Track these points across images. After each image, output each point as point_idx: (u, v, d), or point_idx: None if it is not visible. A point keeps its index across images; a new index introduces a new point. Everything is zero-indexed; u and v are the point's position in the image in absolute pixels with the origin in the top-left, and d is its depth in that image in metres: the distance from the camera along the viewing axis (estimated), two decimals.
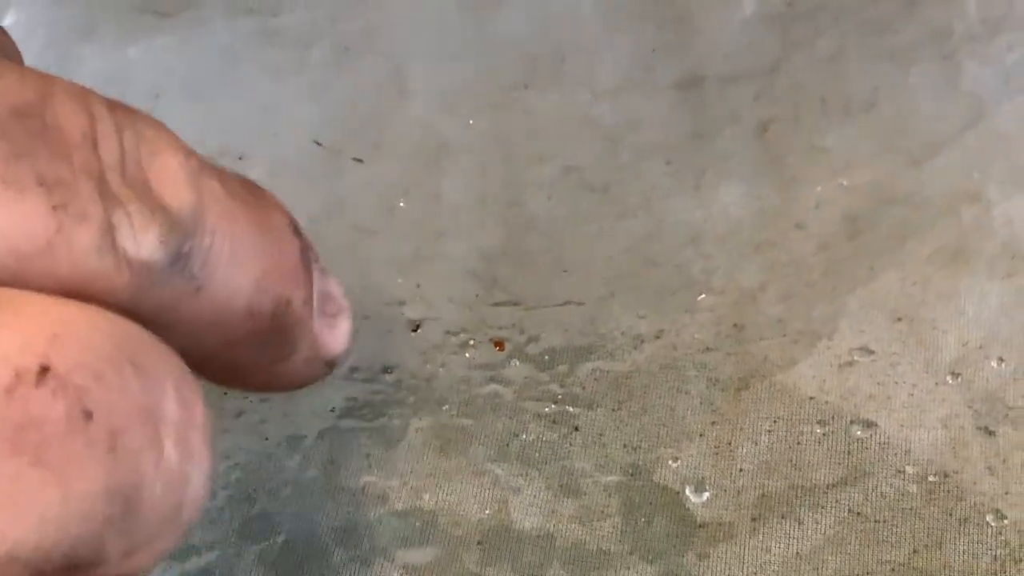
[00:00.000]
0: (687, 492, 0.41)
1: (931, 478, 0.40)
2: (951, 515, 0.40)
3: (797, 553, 0.40)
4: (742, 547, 0.40)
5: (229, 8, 0.51)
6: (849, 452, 0.41)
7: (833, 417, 0.42)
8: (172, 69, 0.52)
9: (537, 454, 0.43)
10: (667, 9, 0.43)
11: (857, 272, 0.42)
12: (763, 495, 0.41)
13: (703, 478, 0.42)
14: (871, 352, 0.42)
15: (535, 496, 0.42)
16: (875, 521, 0.40)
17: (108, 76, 0.50)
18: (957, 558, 0.40)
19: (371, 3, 0.50)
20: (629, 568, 0.41)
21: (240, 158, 0.45)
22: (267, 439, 0.44)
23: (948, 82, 0.42)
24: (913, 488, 0.40)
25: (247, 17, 0.49)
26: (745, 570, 0.40)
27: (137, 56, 0.50)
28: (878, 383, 0.42)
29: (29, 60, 0.42)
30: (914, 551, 0.39)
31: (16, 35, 0.45)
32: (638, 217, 0.44)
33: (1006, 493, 0.38)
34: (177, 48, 0.50)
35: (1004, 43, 0.41)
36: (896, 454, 0.41)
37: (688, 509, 0.41)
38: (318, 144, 0.45)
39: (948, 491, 0.40)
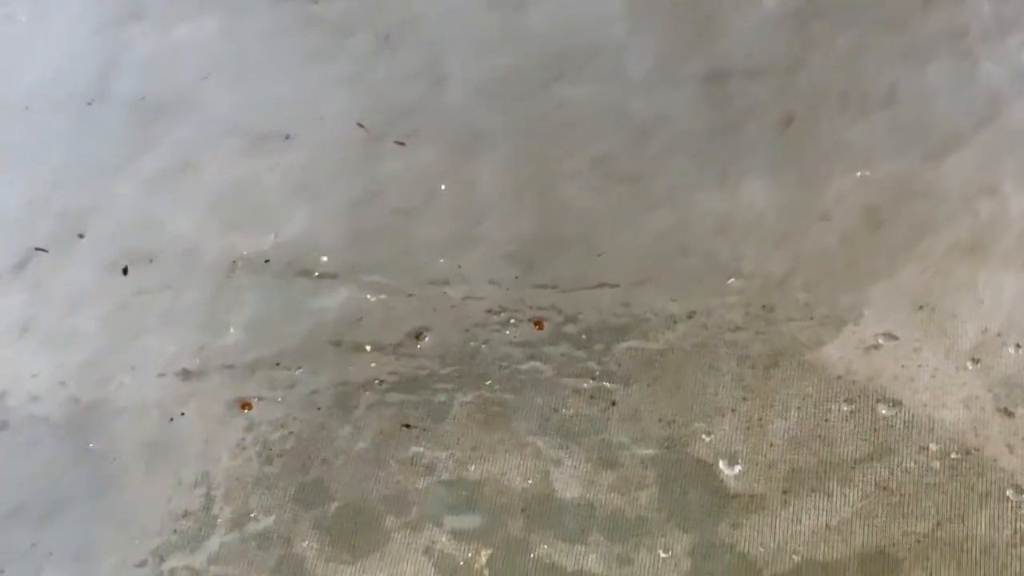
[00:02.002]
0: (720, 465, 0.42)
1: (953, 455, 0.38)
2: (973, 490, 0.40)
3: (826, 524, 0.40)
4: (774, 518, 0.40)
5: None
6: (875, 429, 0.40)
7: (860, 396, 0.41)
8: (219, 52, 0.52)
9: (576, 428, 0.43)
10: (692, 7, 0.44)
11: (879, 262, 0.42)
12: (793, 469, 0.41)
13: (735, 452, 0.42)
14: (895, 337, 0.42)
15: (575, 467, 0.41)
16: (900, 495, 0.40)
17: (157, 58, 0.50)
18: (979, 530, 0.40)
19: None
20: (666, 535, 0.41)
21: (286, 138, 0.45)
22: (319, 409, 0.45)
23: (964, 79, 0.42)
24: (936, 464, 0.38)
25: (289, 2, 0.49)
26: (776, 540, 0.40)
27: (185, 38, 0.50)
28: (902, 366, 0.42)
29: (79, 45, 0.42)
30: (938, 524, 0.37)
31: (67, 19, 0.45)
32: (667, 207, 0.45)
33: None
34: (223, 31, 0.49)
35: (1018, 41, 0.41)
36: (920, 432, 0.40)
37: (721, 481, 0.41)
38: (361, 127, 0.45)
39: (970, 467, 0.40)
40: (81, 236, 0.42)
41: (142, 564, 0.41)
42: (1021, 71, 0.47)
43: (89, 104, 0.43)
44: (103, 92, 0.43)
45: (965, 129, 0.46)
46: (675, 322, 0.43)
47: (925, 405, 0.43)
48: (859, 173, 0.45)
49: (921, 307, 0.43)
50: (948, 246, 0.45)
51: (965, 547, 0.41)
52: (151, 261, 0.43)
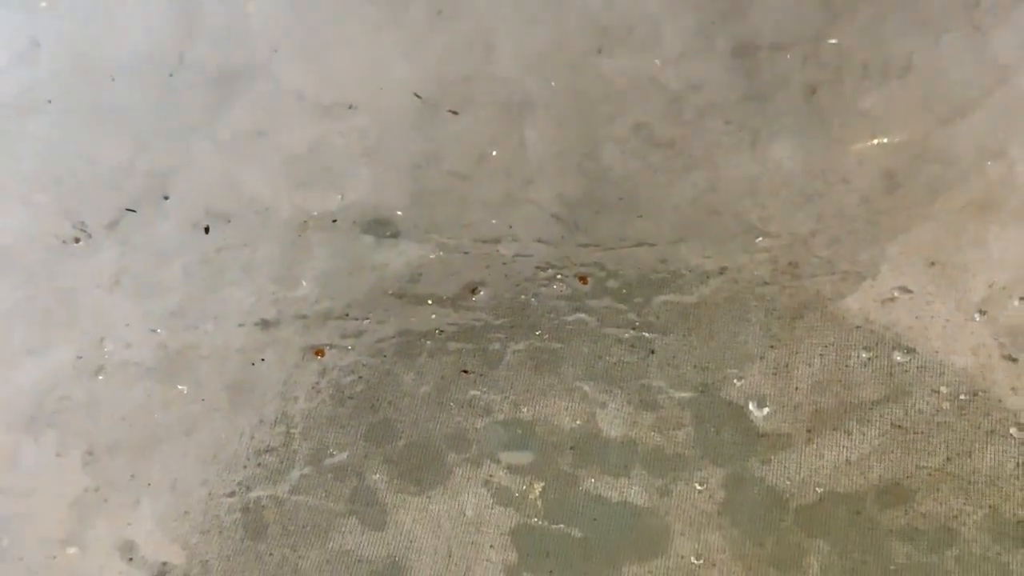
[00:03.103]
0: (750, 407, 0.43)
1: (962, 396, 0.40)
2: (979, 428, 0.41)
3: (847, 460, 0.41)
4: (799, 454, 0.41)
5: None
6: (891, 374, 0.42)
7: (877, 344, 0.43)
8: (287, 26, 0.52)
9: (619, 373, 0.44)
10: None
11: (896, 222, 0.43)
12: (816, 410, 0.42)
13: (764, 395, 0.43)
14: (909, 291, 0.43)
15: (618, 409, 0.43)
16: (914, 433, 0.41)
17: (231, 32, 0.50)
18: (985, 464, 0.40)
19: None
20: (701, 470, 0.42)
21: (350, 107, 0.46)
22: (385, 356, 0.46)
23: (976, 49, 0.43)
24: (946, 405, 0.40)
25: None
26: (801, 474, 0.41)
27: (256, 12, 0.50)
28: (916, 317, 0.43)
29: (159, 20, 0.42)
30: (947, 459, 0.39)
31: None
32: (701, 170, 0.45)
33: None
34: (290, 7, 0.50)
35: None
36: (932, 376, 0.42)
37: (751, 421, 0.42)
38: (418, 97, 0.45)
39: (977, 408, 0.41)
40: (166, 198, 0.42)
41: (230, 494, 0.45)
42: None
43: (170, 76, 0.43)
44: (182, 63, 0.44)
45: (975, 97, 0.46)
46: (708, 277, 0.46)
47: (936, 352, 0.45)
48: (876, 140, 0.46)
49: (933, 263, 0.46)
50: (959, 206, 0.46)
51: (972, 479, 0.42)
52: (229, 221, 0.44)
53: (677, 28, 0.43)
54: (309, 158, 0.41)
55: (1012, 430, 0.39)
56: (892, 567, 0.38)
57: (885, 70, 0.42)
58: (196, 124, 0.39)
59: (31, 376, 0.36)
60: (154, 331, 0.38)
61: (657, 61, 0.43)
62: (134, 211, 0.37)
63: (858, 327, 0.42)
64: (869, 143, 0.41)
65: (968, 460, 0.38)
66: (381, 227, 0.41)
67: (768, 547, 0.37)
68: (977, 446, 0.39)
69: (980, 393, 0.40)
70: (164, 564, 0.38)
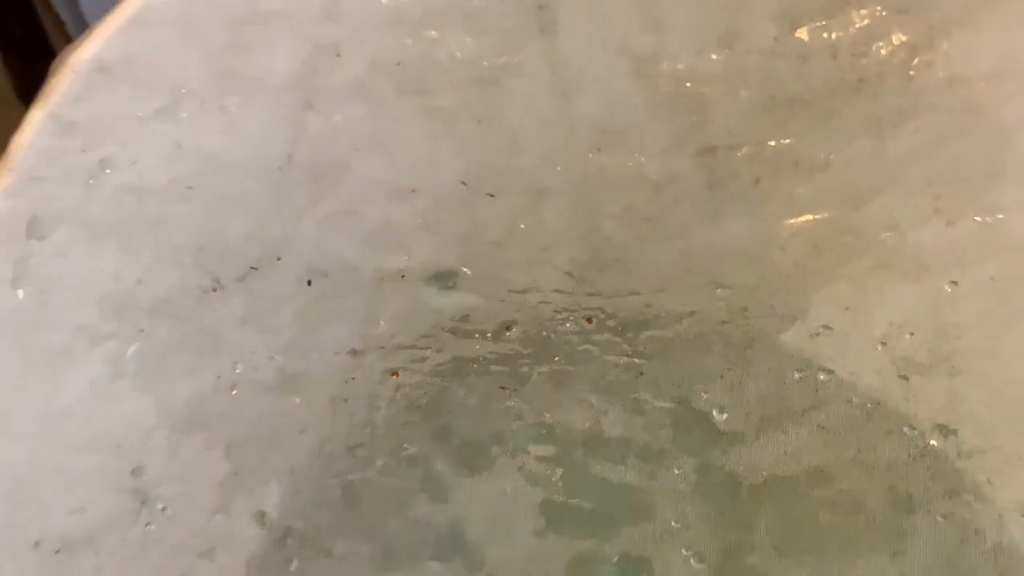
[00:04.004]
0: (713, 413, 0.49)
1: (868, 405, 0.47)
2: (880, 428, 0.47)
3: (784, 452, 0.47)
4: (749, 448, 0.48)
5: None
6: (817, 389, 0.48)
7: (806, 367, 0.49)
8: (365, 130, 0.54)
9: (617, 389, 0.50)
10: (690, 99, 0.52)
11: (820, 278, 0.49)
12: (762, 416, 0.48)
13: (723, 404, 0.50)
14: (830, 328, 0.49)
15: (617, 416, 0.49)
16: (833, 432, 0.47)
17: (324, 135, 0.49)
18: (885, 455, 0.46)
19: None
20: (678, 459, 0.48)
21: (412, 191, 0.47)
22: (443, 377, 0.48)
23: (878, 151, 0.49)
24: (857, 412, 0.47)
25: (413, 95, 0.55)
26: (751, 462, 0.47)
27: (342, 120, 0.54)
28: (835, 347, 0.50)
29: (270, 128, 0.47)
30: (858, 450, 0.46)
31: (263, 109, 0.52)
32: (677, 239, 0.52)
33: (915, 415, 0.45)
34: (367, 116, 0.52)
35: (915, 125, 0.44)
36: (846, 391, 0.48)
37: (714, 424, 0.48)
38: (464, 184, 0.52)
39: (880, 414, 0.47)
40: (279, 259, 0.49)
41: (334, 477, 0.47)
42: (917, 147, 0.47)
43: (280, 169, 0.50)
44: (290, 161, 0.51)
45: (877, 186, 0.53)
46: (681, 318, 0.50)
47: (850, 373, 0.49)
48: (805, 218, 0.52)
49: (847, 308, 0.49)
50: (866, 267, 0.49)
51: (876, 465, 0.46)
52: (326, 276, 0.51)
53: (657, 134, 0.48)
54: (384, 229, 0.46)
55: (905, 429, 0.46)
56: (818, 527, 0.46)
57: (811, 166, 0.47)
58: (301, 206, 0.45)
59: (186, 392, 0.43)
60: (272, 358, 0.43)
61: (642, 158, 0.48)
62: (256, 269, 0.44)
63: (792, 355, 0.49)
64: (800, 220, 0.47)
65: (873, 453, 0.45)
66: (440, 280, 0.47)
67: (727, 514, 0.44)
68: (879, 442, 0.46)
69: (881, 403, 0.47)
70: (287, 528, 0.46)
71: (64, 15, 0.65)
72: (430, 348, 0.47)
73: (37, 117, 0.30)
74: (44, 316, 0.31)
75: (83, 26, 0.60)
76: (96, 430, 0.34)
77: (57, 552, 0.30)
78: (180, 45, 0.33)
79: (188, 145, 0.37)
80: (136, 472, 0.36)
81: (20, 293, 0.30)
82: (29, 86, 0.58)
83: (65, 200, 0.31)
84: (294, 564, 0.40)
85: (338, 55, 0.38)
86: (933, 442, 0.43)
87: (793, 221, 0.46)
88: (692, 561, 0.40)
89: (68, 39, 0.62)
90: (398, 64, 0.39)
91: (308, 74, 0.39)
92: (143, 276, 0.36)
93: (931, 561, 0.40)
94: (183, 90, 0.35)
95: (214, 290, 0.40)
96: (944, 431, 0.42)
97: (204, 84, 0.36)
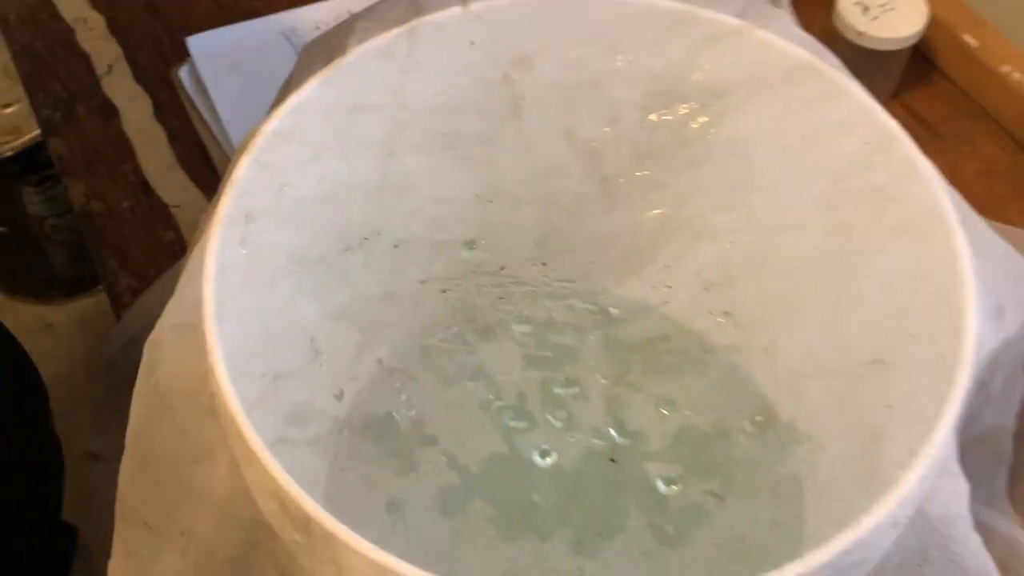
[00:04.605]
0: (610, 309, 0.59)
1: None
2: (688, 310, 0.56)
3: (648, 328, 0.59)
4: (630, 326, 0.59)
5: None
6: (664, 299, 0.59)
7: (659, 285, 0.61)
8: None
9: (560, 296, 0.62)
10: (594, 153, 0.58)
11: (664, 243, 0.59)
12: (636, 309, 0.59)
13: (618, 305, 0.61)
14: (669, 267, 0.60)
15: (561, 312, 0.60)
16: (672, 316, 0.60)
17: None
18: (698, 327, 0.58)
19: None
20: (592, 332, 0.58)
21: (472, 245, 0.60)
22: (467, 293, 0.60)
23: (692, 177, 0.55)
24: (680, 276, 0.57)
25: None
26: (630, 333, 0.57)
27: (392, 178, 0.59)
28: (671, 279, 0.61)
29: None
30: (688, 331, 0.55)
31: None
32: (590, 224, 0.59)
33: (716, 308, 0.55)
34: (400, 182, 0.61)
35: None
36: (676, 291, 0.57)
37: (611, 314, 0.58)
38: (477, 196, 0.58)
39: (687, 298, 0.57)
40: (379, 234, 0.60)
41: (417, 344, 0.61)
42: (713, 175, 0.57)
43: (379, 189, 0.59)
44: (382, 184, 0.59)
45: (691, 194, 0.60)
46: (597, 260, 0.63)
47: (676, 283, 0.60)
48: (656, 211, 0.59)
49: (679, 257, 0.60)
50: (686, 237, 0.61)
51: (698, 335, 0.59)
52: (407, 243, 0.62)
53: (578, 169, 0.56)
54: (435, 219, 0.58)
55: (709, 314, 0.58)
56: (664, 362, 0.57)
57: (659, 185, 0.56)
58: (390, 207, 0.54)
59: (336, 301, 0.53)
60: (379, 284, 0.55)
61: (571, 183, 0.58)
62: (367, 239, 0.54)
63: (648, 277, 0.62)
64: (653, 213, 0.56)
65: (692, 332, 0.60)
66: (466, 245, 0.60)
67: (618, 358, 0.57)
68: (694, 319, 0.59)
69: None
70: (393, 368, 0.56)
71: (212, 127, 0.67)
72: (461, 279, 0.57)
73: (245, 160, 0.39)
74: (258, 263, 0.39)
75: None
76: (289, 320, 0.43)
77: (274, 379, 0.41)
78: (320, 122, 0.42)
79: (327, 175, 0.47)
80: (312, 341, 0.46)
81: (243, 251, 0.39)
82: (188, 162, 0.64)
83: (264, 204, 0.40)
84: (397, 384, 0.52)
85: (407, 127, 0.48)
86: (720, 320, 0.54)
87: (649, 214, 0.56)
88: (600, 379, 0.53)
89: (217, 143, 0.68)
90: (439, 132, 0.49)
91: (390, 138, 0.48)
92: (309, 243, 0.46)
93: (719, 377, 0.53)
94: (323, 146, 0.43)
95: (346, 250, 0.49)
96: (727, 315, 0.54)
97: (334, 143, 0.44)
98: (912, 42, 0.63)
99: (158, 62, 0.73)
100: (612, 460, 0.52)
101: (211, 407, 0.36)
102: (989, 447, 0.41)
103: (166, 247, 0.65)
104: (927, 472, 0.31)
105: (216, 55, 0.69)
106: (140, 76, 0.73)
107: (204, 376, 0.35)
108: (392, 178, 0.54)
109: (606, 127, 0.56)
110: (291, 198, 0.47)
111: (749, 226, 0.55)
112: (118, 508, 0.38)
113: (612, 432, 0.55)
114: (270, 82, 0.48)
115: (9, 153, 1.19)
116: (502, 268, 0.60)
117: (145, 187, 0.68)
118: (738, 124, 0.51)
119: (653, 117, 0.55)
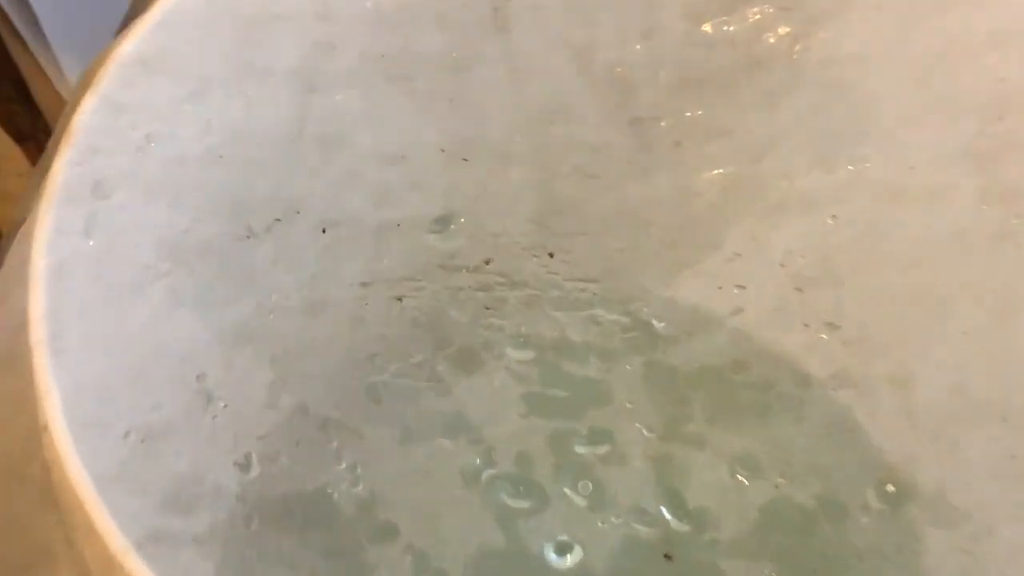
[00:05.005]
0: (653, 322, 0.58)
1: (772, 311, 0.57)
2: (783, 327, 0.56)
3: (710, 348, 0.56)
4: (683, 346, 0.57)
5: None
6: (732, 301, 0.58)
7: (725, 284, 0.59)
8: (365, 123, 0.59)
9: (576, 306, 0.60)
10: (621, 84, 0.55)
11: (731, 218, 0.57)
12: (692, 322, 0.58)
13: (661, 315, 0.60)
14: (740, 255, 0.58)
15: (578, 327, 0.60)
16: (747, 332, 0.58)
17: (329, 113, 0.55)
18: (787, 347, 0.55)
19: None
20: (628, 357, 0.57)
21: (402, 157, 0.58)
22: (439, 300, 0.59)
23: (769, 118, 0.53)
24: (764, 316, 0.56)
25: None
26: (686, 357, 0.56)
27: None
28: (745, 269, 0.58)
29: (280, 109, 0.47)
30: (767, 344, 0.55)
31: None
32: (614, 191, 0.58)
33: (809, 317, 0.53)
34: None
35: None
36: (755, 301, 0.59)
37: (655, 330, 0.58)
38: (442, 151, 0.57)
39: (782, 317, 0.56)
40: (298, 212, 0.57)
41: (359, 378, 0.58)
42: (800, 114, 0.55)
43: (292, 140, 0.56)
44: (299, 133, 0.56)
45: (770, 145, 0.58)
46: (623, 251, 0.61)
47: (758, 288, 0.60)
48: (716, 171, 0.59)
49: (753, 239, 0.59)
50: (765, 207, 0.59)
51: (781, 355, 0.57)
52: (338, 225, 0.59)
53: (594, 109, 0.57)
54: (381, 188, 0.56)
55: (802, 327, 0.56)
56: (738, 402, 0.55)
57: (719, 131, 0.56)
58: (312, 169, 0.53)
59: (232, 316, 0.49)
60: (300, 290, 0.53)
61: (584, 129, 0.56)
62: (280, 220, 0.52)
63: (713, 275, 0.59)
64: (712, 173, 0.56)
65: (778, 345, 0.56)
66: (431, 226, 0.58)
67: (668, 397, 0.54)
68: (782, 336, 0.57)
69: (782, 309, 0.57)
70: (325, 417, 0.53)
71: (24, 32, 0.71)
72: (425, 280, 0.55)
73: (91, 101, 0.38)
74: (113, 258, 0.38)
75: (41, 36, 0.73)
76: (164, 345, 0.41)
77: (143, 440, 0.38)
78: (203, 42, 0.41)
79: (216, 122, 0.44)
80: (200, 378, 0.43)
81: (91, 242, 0.37)
82: None
83: (120, 167, 0.39)
84: (334, 443, 0.48)
85: (333, 48, 0.47)
86: (823, 336, 0.51)
87: (707, 174, 0.55)
88: (644, 431, 0.50)
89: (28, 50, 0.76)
90: (382, 56, 0.47)
91: (309, 64, 0.46)
92: (189, 226, 0.44)
93: (824, 423, 0.49)
94: (208, 78, 0.41)
95: (248, 237, 0.47)
96: (831, 327, 0.51)
97: (225, 73, 0.42)
98: None
99: None
100: (667, 556, 0.47)
101: (45, 485, 0.32)
102: None
103: None
104: None
105: None
106: None
107: (33, 437, 0.32)
108: (314, 126, 0.50)
109: (637, 43, 0.52)
110: (161, 158, 0.43)
111: (859, 192, 0.51)
112: None
113: (664, 512, 0.49)
114: None
115: None
116: (487, 262, 0.58)
117: None
118: (838, 37, 0.47)
119: (707, 27, 0.51)
